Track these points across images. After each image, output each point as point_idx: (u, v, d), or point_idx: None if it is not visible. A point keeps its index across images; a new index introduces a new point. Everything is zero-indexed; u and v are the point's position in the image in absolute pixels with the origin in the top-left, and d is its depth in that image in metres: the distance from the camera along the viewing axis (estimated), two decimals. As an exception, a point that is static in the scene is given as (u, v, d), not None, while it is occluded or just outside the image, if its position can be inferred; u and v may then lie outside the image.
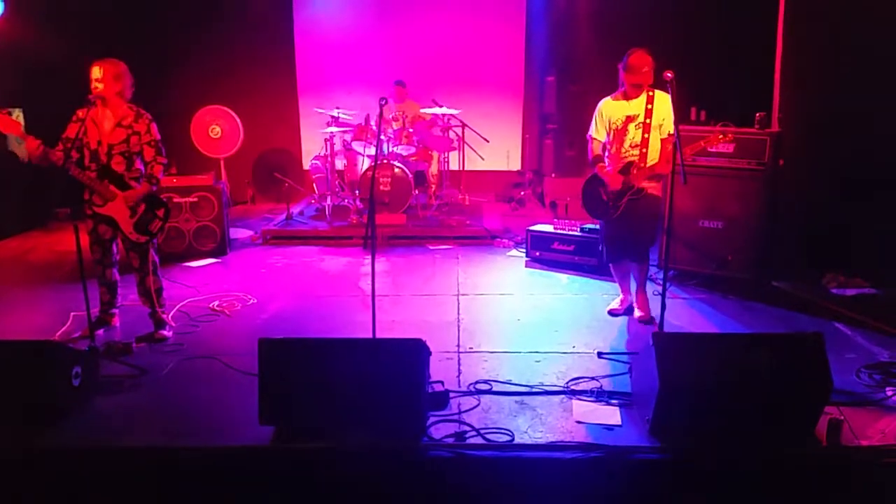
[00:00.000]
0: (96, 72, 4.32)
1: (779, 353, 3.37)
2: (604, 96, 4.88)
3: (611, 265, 5.24)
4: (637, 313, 5.01)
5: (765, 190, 5.46)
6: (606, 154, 4.87)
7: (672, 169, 4.17)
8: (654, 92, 4.65)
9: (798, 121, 5.74)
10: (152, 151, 4.48)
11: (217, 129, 8.56)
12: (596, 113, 4.89)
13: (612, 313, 5.15)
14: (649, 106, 4.63)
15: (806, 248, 5.78)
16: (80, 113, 4.35)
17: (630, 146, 4.72)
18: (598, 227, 6.29)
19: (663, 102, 4.60)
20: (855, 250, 5.61)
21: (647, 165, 4.67)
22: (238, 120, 8.65)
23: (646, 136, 4.65)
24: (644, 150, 4.67)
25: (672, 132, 4.51)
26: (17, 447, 3.25)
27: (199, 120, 8.50)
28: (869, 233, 5.49)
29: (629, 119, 4.69)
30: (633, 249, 4.90)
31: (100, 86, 4.31)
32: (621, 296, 5.22)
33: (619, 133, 4.75)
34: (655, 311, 4.53)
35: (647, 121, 4.63)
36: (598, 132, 4.88)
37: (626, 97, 4.73)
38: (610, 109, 4.80)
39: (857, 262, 5.64)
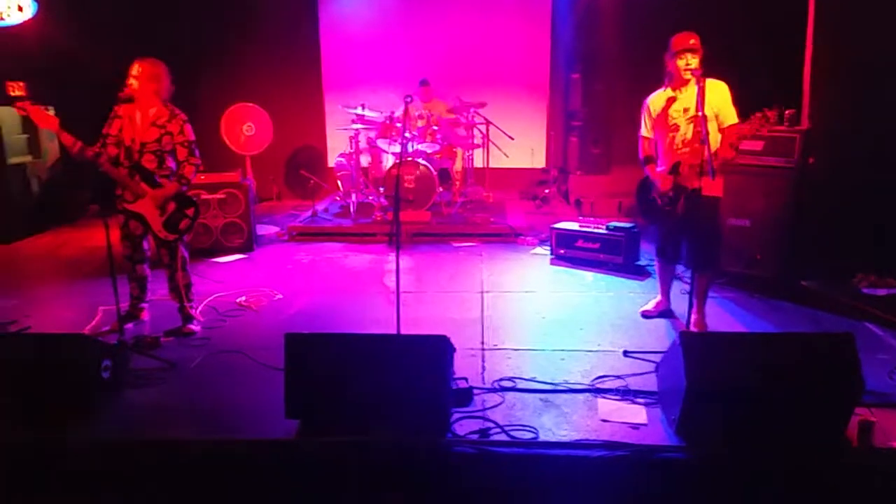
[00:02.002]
0: (135, 69, 4.39)
1: (808, 353, 3.32)
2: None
3: (656, 263, 5.03)
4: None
5: (794, 188, 5.39)
6: (658, 153, 4.59)
7: (701, 164, 4.07)
8: (704, 81, 4.27)
9: (828, 118, 5.64)
10: (185, 152, 4.54)
11: (251, 126, 8.64)
12: (643, 109, 4.64)
13: (644, 315, 4.97)
14: (700, 99, 4.24)
15: (836, 247, 5.68)
16: (119, 110, 4.44)
17: (682, 143, 4.40)
18: (624, 224, 6.27)
19: (717, 91, 4.31)
20: (887, 249, 5.50)
21: (697, 162, 4.28)
22: (269, 118, 8.73)
23: (698, 129, 4.21)
24: (696, 147, 4.27)
25: (733, 123, 4.31)
26: (48, 439, 3.31)
27: (231, 117, 8.56)
28: (902, 232, 5.39)
29: (679, 113, 4.39)
30: (693, 256, 4.46)
31: (135, 83, 4.38)
32: (658, 297, 5.02)
33: (668, 129, 4.46)
34: (681, 308, 4.48)
35: (699, 114, 4.18)
36: (646, 129, 4.63)
37: (675, 88, 4.43)
38: (656, 102, 4.54)
39: (890, 262, 5.53)
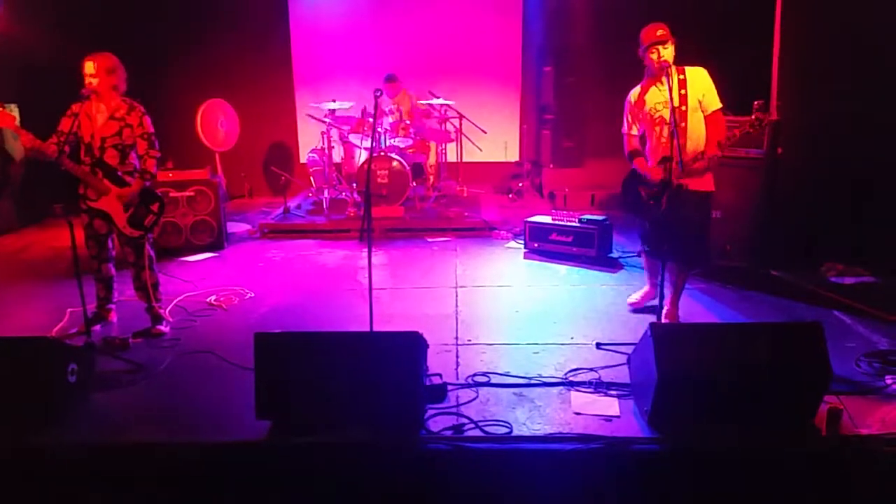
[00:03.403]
0: (89, 67, 4.29)
1: (778, 342, 3.36)
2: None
3: (643, 257, 5.04)
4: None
5: (763, 179, 5.45)
6: (647, 147, 4.52)
7: (678, 157, 4.03)
8: (684, 73, 4.23)
9: (797, 109, 5.71)
10: (145, 144, 4.46)
11: (223, 121, 8.52)
12: (625, 107, 4.57)
13: (632, 307, 4.93)
14: (682, 91, 4.17)
15: (805, 237, 5.75)
16: (75, 107, 4.33)
17: (669, 135, 4.21)
18: (597, 217, 6.29)
19: (697, 78, 4.26)
20: (854, 238, 5.59)
21: (688, 157, 4.19)
22: (236, 114, 8.62)
23: (682, 124, 4.17)
24: (683, 141, 4.16)
25: (717, 108, 4.26)
26: (14, 445, 3.23)
27: (208, 113, 8.40)
28: (868, 221, 5.47)
29: (663, 106, 4.28)
30: (676, 251, 4.37)
31: (94, 81, 4.29)
32: (646, 287, 4.95)
33: (654, 122, 4.39)
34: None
35: (683, 107, 4.15)
36: (629, 126, 4.55)
37: (653, 82, 4.36)
38: (637, 99, 4.47)
39: (856, 251, 5.62)
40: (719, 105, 4.32)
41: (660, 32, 4.23)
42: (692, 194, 4.29)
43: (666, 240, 4.39)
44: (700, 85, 4.29)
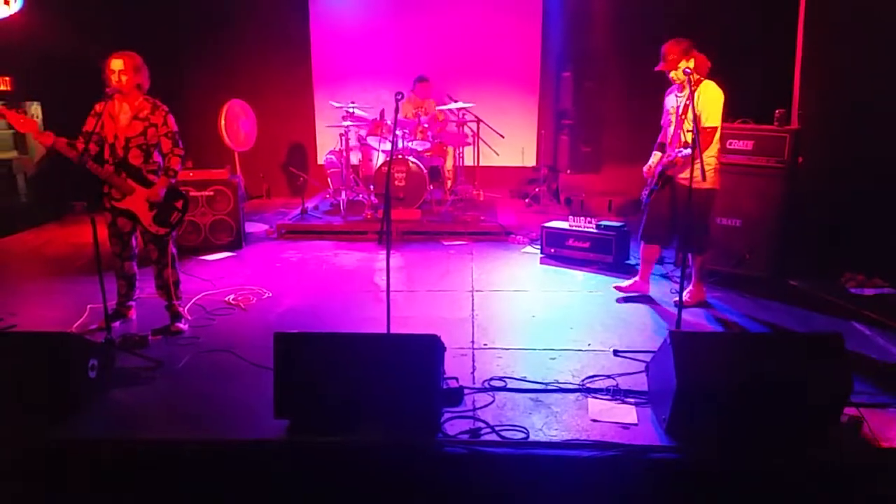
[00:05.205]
0: (117, 63, 4.32)
1: (798, 352, 3.34)
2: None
3: (641, 244, 5.22)
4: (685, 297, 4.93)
5: (784, 188, 5.42)
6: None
7: (691, 165, 4.15)
8: (698, 86, 4.59)
9: (818, 118, 5.67)
10: (169, 143, 4.50)
11: (245, 121, 8.57)
12: None
13: (617, 288, 5.33)
14: (687, 102, 4.57)
15: (825, 247, 5.71)
16: (98, 107, 4.37)
17: (672, 137, 4.81)
18: (614, 223, 6.29)
19: (703, 94, 4.60)
20: (874, 249, 5.54)
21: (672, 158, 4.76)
22: (254, 115, 8.67)
23: (678, 130, 4.72)
24: (676, 144, 4.74)
25: (709, 125, 4.58)
26: (34, 439, 3.27)
27: (231, 113, 8.42)
28: (889, 232, 5.42)
29: (675, 110, 4.79)
30: (683, 238, 4.89)
31: (123, 78, 4.32)
32: (636, 277, 5.29)
33: (668, 122, 4.90)
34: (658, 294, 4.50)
35: (683, 116, 4.67)
36: (663, 119, 5.03)
37: (680, 88, 4.78)
38: (667, 100, 4.96)
39: (877, 262, 5.56)
40: (711, 124, 4.62)
41: (670, 58, 4.62)
42: (681, 188, 4.69)
43: (659, 222, 5.00)
44: (703, 100, 4.57)
